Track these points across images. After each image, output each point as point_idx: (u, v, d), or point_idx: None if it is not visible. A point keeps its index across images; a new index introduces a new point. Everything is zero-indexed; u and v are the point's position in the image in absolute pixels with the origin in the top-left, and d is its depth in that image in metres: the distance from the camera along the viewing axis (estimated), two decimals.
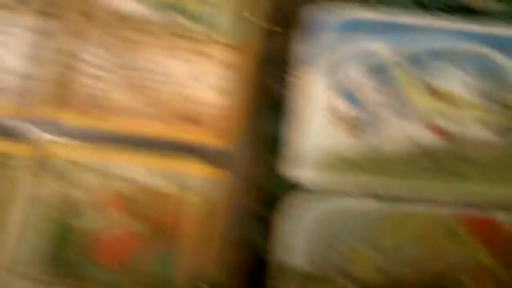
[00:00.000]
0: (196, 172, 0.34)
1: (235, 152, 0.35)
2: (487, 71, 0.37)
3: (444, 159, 0.36)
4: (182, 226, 0.33)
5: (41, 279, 0.32)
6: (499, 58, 0.38)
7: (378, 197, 0.36)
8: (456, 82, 0.38)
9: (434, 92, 0.37)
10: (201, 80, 0.36)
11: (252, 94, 0.36)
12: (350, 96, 0.37)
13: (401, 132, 0.37)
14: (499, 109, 0.37)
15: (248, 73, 0.36)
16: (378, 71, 0.38)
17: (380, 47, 0.38)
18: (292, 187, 0.35)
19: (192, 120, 0.35)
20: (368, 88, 0.37)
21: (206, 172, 0.34)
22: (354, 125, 0.37)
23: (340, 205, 0.36)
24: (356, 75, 0.38)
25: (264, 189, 0.35)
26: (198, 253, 0.33)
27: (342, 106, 0.37)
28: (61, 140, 0.34)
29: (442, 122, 0.37)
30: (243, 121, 0.36)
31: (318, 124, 0.37)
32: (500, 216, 0.35)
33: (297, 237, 0.35)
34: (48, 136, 0.35)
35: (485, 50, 0.38)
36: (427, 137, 0.37)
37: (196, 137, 0.35)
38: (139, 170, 0.34)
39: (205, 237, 0.33)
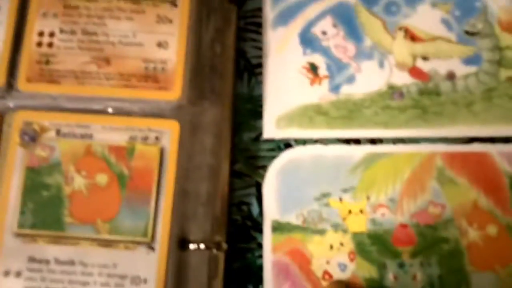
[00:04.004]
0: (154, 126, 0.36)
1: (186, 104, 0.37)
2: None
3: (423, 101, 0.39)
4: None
5: None
6: None
7: (355, 142, 0.39)
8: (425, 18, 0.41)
9: (406, 33, 0.41)
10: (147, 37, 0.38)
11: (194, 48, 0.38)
12: (321, 49, 0.41)
13: (376, 78, 0.40)
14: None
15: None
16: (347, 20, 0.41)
17: None
18: (278, 147, 0.39)
19: (143, 76, 0.37)
20: (338, 39, 0.41)
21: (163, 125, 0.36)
22: (328, 77, 0.40)
23: (321, 154, 0.39)
24: (326, 28, 0.41)
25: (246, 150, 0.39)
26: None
27: (314, 59, 0.41)
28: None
29: (417, 63, 0.40)
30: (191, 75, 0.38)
31: (293, 82, 0.41)
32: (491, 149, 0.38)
33: (281, 193, 0.38)
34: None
35: None
36: (404, 80, 0.40)
37: (150, 93, 0.37)
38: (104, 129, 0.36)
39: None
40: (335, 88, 0.41)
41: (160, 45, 0.39)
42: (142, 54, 0.38)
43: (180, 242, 0.35)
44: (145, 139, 0.36)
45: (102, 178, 0.36)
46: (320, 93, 0.41)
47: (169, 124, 0.36)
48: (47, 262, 0.35)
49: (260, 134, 0.40)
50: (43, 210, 0.35)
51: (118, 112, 0.37)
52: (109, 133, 0.37)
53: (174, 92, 0.37)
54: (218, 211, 0.37)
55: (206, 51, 0.39)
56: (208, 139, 0.37)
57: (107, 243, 0.35)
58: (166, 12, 0.39)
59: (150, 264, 0.34)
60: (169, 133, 0.36)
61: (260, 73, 0.41)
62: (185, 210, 0.35)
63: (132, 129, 0.37)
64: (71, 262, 0.34)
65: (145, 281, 0.34)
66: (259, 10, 0.43)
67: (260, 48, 0.42)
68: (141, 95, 0.37)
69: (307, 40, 0.42)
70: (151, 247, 0.34)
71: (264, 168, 0.39)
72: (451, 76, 0.40)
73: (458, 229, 0.38)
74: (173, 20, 0.39)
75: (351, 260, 0.38)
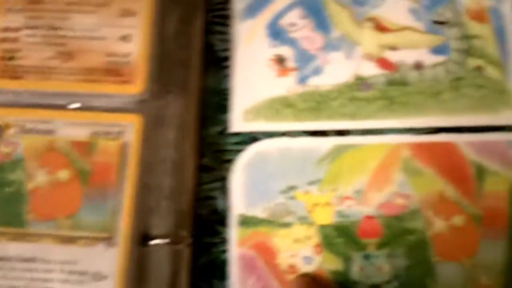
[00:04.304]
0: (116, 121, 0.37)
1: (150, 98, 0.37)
2: None
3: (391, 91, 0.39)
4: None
5: None
6: None
7: (322, 134, 0.39)
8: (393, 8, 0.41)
9: (375, 24, 0.41)
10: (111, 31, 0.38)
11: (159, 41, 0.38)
12: (289, 41, 0.41)
13: (344, 69, 0.40)
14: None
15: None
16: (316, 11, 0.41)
17: None
18: (244, 141, 0.39)
19: (106, 70, 0.37)
20: (306, 30, 0.41)
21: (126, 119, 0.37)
22: (295, 69, 0.40)
23: (287, 147, 0.39)
24: (295, 20, 0.41)
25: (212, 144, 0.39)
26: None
27: (282, 51, 0.41)
28: None
29: (384, 54, 0.40)
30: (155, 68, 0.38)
31: (261, 74, 0.40)
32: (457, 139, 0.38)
33: (248, 186, 0.38)
34: None
35: None
36: (371, 71, 0.40)
37: (113, 87, 0.37)
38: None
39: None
40: (302, 80, 0.40)
41: (123, 38, 0.38)
42: (105, 48, 0.38)
43: (143, 237, 0.35)
44: (107, 134, 0.36)
45: (63, 174, 0.35)
46: (287, 85, 0.40)
47: (132, 118, 0.36)
48: (8, 259, 0.34)
49: (227, 127, 0.40)
50: (5, 207, 0.35)
51: (82, 107, 0.37)
52: (72, 129, 0.37)
53: (138, 86, 0.37)
54: (183, 206, 0.36)
55: (171, 44, 0.39)
56: (172, 133, 0.36)
57: (68, 240, 0.34)
58: (130, 4, 0.39)
59: (110, 260, 0.34)
60: (132, 127, 0.36)
61: (228, 66, 0.41)
62: (149, 205, 0.35)
63: (95, 124, 0.36)
64: (33, 259, 0.34)
65: (105, 277, 0.34)
66: (226, 3, 0.42)
67: (228, 41, 0.41)
68: (104, 89, 0.37)
69: (275, 32, 0.41)
70: (111, 243, 0.34)
71: (231, 161, 0.39)
72: (418, 66, 0.40)
73: (424, 220, 0.38)
74: (137, 12, 0.39)
75: (317, 253, 0.38)
